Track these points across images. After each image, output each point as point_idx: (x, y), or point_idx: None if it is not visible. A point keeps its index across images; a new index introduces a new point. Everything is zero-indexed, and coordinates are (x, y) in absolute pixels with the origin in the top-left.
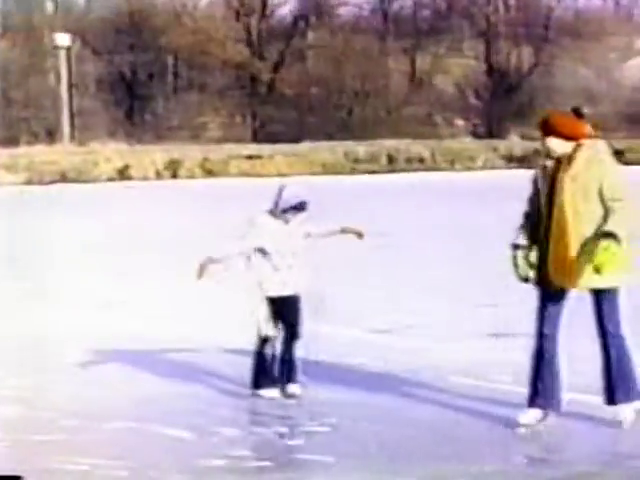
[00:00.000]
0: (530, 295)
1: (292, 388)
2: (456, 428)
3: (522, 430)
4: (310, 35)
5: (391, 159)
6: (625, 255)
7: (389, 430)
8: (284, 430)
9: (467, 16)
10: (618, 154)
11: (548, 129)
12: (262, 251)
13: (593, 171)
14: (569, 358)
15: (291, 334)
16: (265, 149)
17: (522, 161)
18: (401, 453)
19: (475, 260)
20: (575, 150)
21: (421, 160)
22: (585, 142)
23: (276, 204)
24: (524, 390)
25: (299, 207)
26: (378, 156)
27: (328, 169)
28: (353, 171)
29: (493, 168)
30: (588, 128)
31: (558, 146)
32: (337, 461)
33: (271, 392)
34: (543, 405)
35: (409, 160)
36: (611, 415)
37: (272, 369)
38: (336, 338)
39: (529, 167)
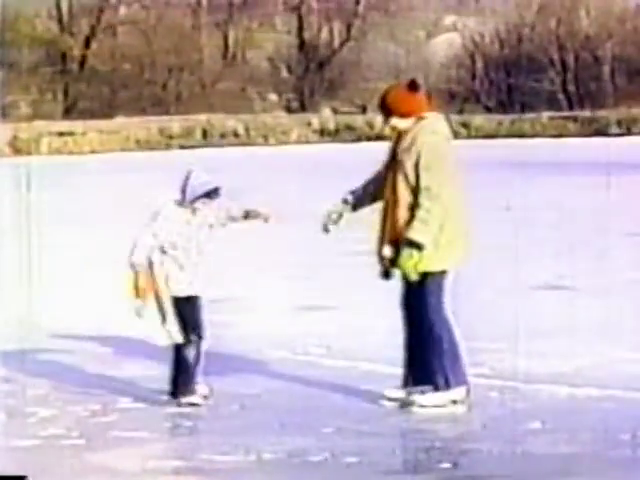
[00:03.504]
0: (345, 269)
1: (192, 399)
2: (271, 399)
3: (385, 403)
4: (122, 10)
5: (205, 134)
6: (441, 248)
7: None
8: (97, 408)
9: None
10: None
11: (386, 109)
12: (170, 247)
13: (411, 155)
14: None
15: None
16: (77, 126)
17: (334, 135)
18: (217, 427)
19: (292, 233)
20: (413, 126)
21: (235, 135)
22: (426, 117)
23: (183, 192)
24: (337, 362)
25: (210, 195)
26: (192, 131)
27: (142, 145)
28: (168, 147)
29: (307, 142)
30: (424, 101)
31: (399, 123)
32: (151, 437)
33: (196, 399)
34: (411, 385)
35: (223, 135)
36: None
37: (195, 373)
38: None
39: (341, 141)
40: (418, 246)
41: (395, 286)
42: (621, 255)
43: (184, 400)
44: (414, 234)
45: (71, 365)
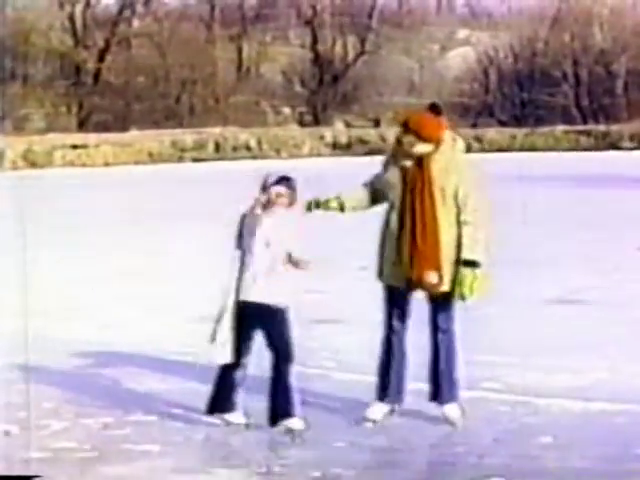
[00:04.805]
0: (356, 283)
1: (291, 423)
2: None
3: (369, 425)
4: (136, 23)
5: (218, 147)
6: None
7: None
8: (110, 420)
9: (293, 4)
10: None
11: (409, 130)
12: (246, 248)
13: (451, 176)
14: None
15: (277, 355)
16: (91, 138)
17: (347, 148)
18: (228, 440)
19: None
20: (435, 151)
21: (248, 148)
22: (444, 140)
23: (263, 189)
24: (346, 375)
25: (283, 182)
26: (205, 144)
27: (155, 158)
28: (180, 159)
29: (319, 155)
30: (445, 124)
31: (424, 148)
32: (163, 450)
33: (236, 417)
34: (391, 400)
35: (236, 148)
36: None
37: (236, 393)
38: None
39: (354, 154)
40: (475, 265)
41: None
42: (634, 269)
43: (226, 418)
44: (473, 254)
45: (83, 378)
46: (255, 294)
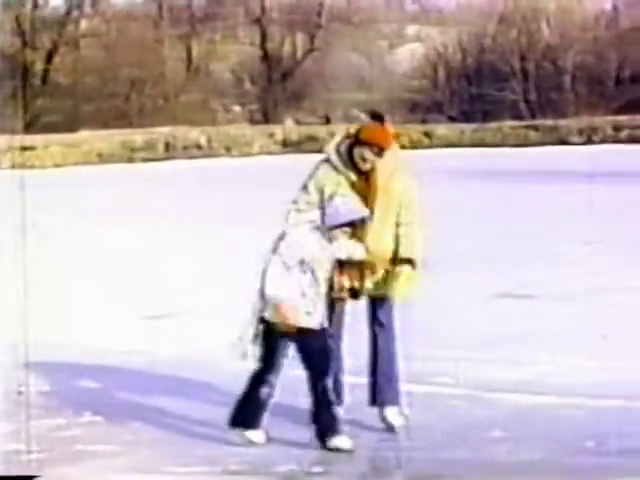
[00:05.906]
0: None
1: (340, 441)
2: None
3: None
4: (84, 24)
5: (168, 146)
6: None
7: (160, 417)
8: (62, 422)
9: (241, 3)
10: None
11: (373, 145)
12: (296, 265)
13: (396, 183)
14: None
15: (312, 374)
16: (39, 140)
17: (297, 146)
18: (183, 439)
19: (249, 245)
20: (379, 160)
21: (198, 146)
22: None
23: (323, 217)
24: None
25: (355, 225)
26: (155, 143)
27: (105, 158)
28: (130, 160)
29: (269, 153)
30: (390, 133)
31: (378, 160)
32: (115, 450)
33: (256, 435)
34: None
35: (186, 147)
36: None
37: (260, 410)
38: None
39: (304, 152)
40: (410, 263)
41: None
42: (580, 263)
43: (248, 435)
44: (409, 252)
45: (32, 379)
46: (304, 320)
